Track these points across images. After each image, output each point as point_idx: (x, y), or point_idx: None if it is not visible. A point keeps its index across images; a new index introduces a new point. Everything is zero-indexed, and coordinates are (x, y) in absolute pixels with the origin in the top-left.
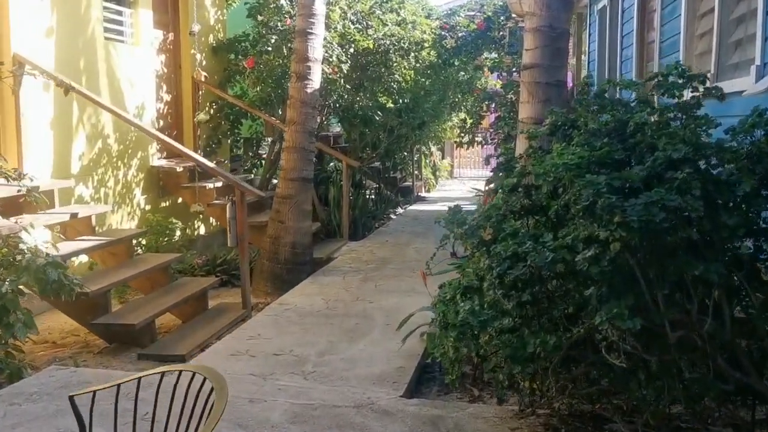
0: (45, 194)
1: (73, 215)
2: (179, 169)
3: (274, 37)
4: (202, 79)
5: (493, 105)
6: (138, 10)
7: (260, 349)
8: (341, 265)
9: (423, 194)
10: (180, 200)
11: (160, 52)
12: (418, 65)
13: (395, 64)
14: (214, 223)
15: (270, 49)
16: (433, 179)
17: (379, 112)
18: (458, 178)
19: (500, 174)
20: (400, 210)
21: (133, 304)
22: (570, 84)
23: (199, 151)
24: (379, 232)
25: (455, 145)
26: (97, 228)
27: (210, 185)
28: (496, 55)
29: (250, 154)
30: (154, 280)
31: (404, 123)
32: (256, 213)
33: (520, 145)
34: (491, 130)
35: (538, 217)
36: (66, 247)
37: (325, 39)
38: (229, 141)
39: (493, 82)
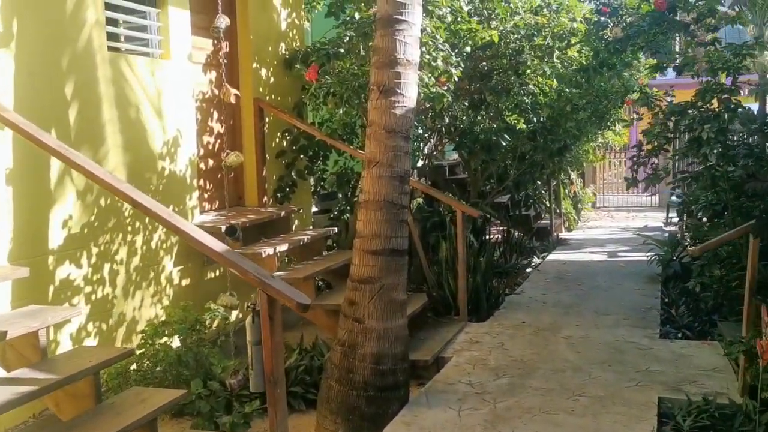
0: None
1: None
2: (224, 227)
3: (349, 33)
4: (269, 102)
5: (671, 122)
6: (167, 10)
7: None
8: (455, 380)
9: (563, 235)
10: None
11: (207, 68)
12: (562, 69)
13: (529, 70)
14: None
15: (342, 51)
16: (574, 214)
17: (506, 136)
18: (603, 208)
19: None
20: (535, 260)
21: None
22: None
23: (266, 198)
24: (511, 303)
25: (594, 166)
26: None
27: (269, 250)
28: (683, 48)
29: (348, 194)
30: None
31: (539, 148)
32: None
33: None
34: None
35: None
36: None
37: (423, 32)
38: (312, 180)
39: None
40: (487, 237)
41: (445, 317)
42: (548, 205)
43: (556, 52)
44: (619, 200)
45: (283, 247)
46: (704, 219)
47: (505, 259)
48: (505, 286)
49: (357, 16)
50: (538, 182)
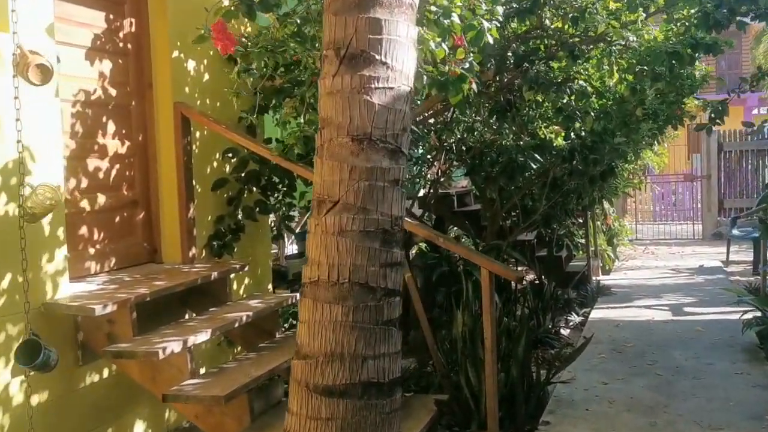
0: None
1: None
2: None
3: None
4: (199, 110)
5: None
6: None
7: None
8: None
9: (603, 280)
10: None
11: (97, 55)
12: (629, 59)
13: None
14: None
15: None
16: (610, 252)
17: (536, 155)
18: (638, 241)
19: None
20: (574, 318)
21: None
22: None
23: (194, 251)
24: (561, 402)
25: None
26: None
27: (174, 346)
28: None
29: None
30: None
31: (575, 171)
32: None
33: None
34: None
35: None
36: None
37: None
38: (274, 218)
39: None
40: (516, 294)
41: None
42: (587, 246)
43: (630, 27)
44: (654, 231)
45: (201, 337)
46: None
47: (537, 321)
48: (548, 369)
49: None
50: (570, 215)
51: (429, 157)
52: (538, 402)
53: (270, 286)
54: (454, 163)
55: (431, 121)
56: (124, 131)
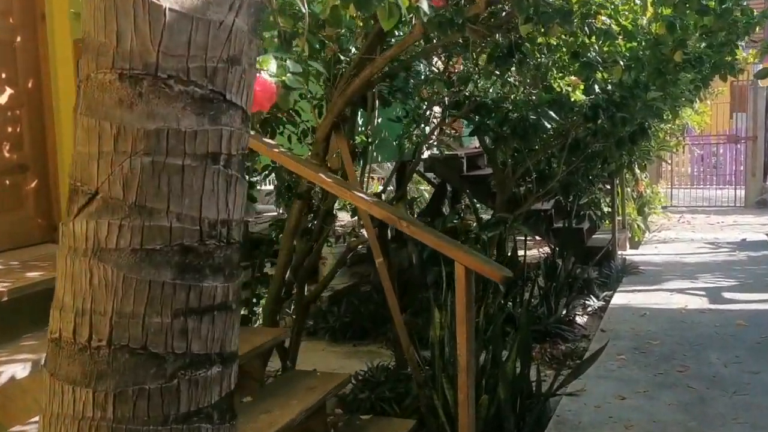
0: None
1: None
2: None
3: None
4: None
5: None
6: None
7: None
8: None
9: (630, 255)
10: None
11: None
12: None
13: None
14: None
15: None
16: (640, 222)
17: (551, 113)
18: (672, 208)
19: None
20: (593, 303)
21: None
22: None
23: None
24: (565, 426)
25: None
26: None
27: (14, 370)
28: None
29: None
30: None
31: (601, 132)
32: None
33: None
34: None
35: None
36: None
37: None
38: None
39: None
40: (524, 276)
41: None
42: (607, 214)
43: None
44: (691, 196)
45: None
46: None
47: (548, 308)
48: (556, 370)
49: None
50: (595, 182)
51: (426, 113)
52: (536, 422)
53: None
54: (453, 117)
55: (421, 69)
56: (5, 75)
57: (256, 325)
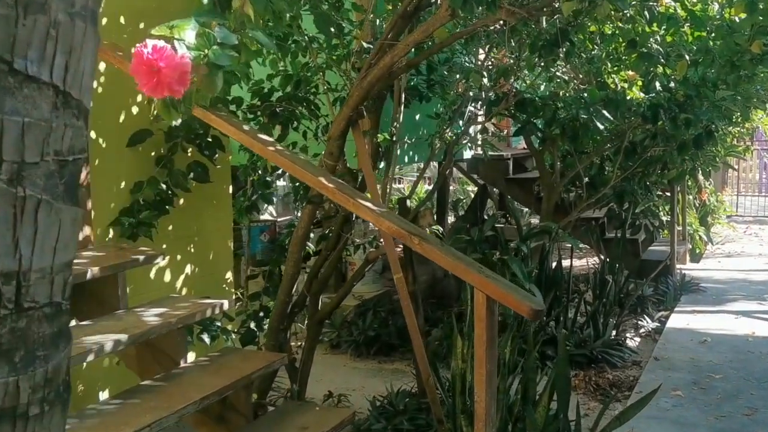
0: None
1: None
2: None
3: None
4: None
5: None
6: None
7: None
8: None
9: (689, 270)
10: None
11: None
12: None
13: None
14: None
15: None
16: (702, 233)
17: (605, 113)
18: (737, 217)
19: None
20: (647, 324)
21: None
22: None
23: (86, 230)
24: None
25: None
26: None
27: None
28: None
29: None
30: None
31: (661, 135)
32: None
33: None
34: None
35: None
36: None
37: None
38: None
39: None
40: (568, 291)
41: None
42: (666, 224)
43: None
44: (759, 205)
45: None
46: None
47: (595, 328)
48: (602, 401)
49: None
50: (653, 189)
51: (455, 108)
52: None
53: (230, 278)
54: (479, 118)
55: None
56: None
57: (247, 348)
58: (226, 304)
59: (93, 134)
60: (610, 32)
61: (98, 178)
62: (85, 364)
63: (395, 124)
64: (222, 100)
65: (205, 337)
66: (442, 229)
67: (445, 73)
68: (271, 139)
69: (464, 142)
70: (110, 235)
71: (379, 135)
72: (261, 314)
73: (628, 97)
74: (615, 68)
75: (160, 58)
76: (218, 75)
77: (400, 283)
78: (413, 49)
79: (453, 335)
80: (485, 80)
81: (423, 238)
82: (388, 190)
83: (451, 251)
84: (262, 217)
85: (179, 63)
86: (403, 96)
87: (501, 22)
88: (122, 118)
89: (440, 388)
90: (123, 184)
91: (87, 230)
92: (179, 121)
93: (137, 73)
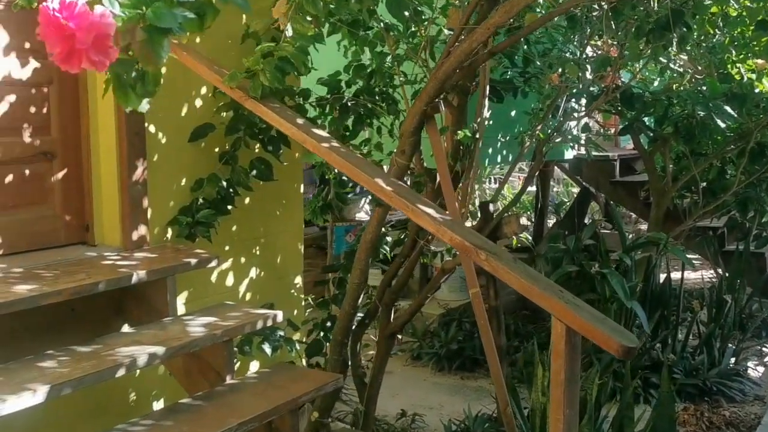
0: None
1: None
2: None
3: None
4: None
5: None
6: None
7: None
8: None
9: None
10: None
11: None
12: None
13: None
14: None
15: None
16: None
17: (728, 109)
18: None
19: None
20: None
21: None
22: None
23: (145, 231)
24: None
25: None
26: None
27: None
28: None
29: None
30: None
31: None
32: None
33: None
34: None
35: None
36: None
37: None
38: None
39: None
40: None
41: None
42: None
43: None
44: None
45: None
46: None
47: (709, 355)
48: None
49: None
50: None
51: (549, 103)
52: None
53: (299, 284)
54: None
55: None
56: (29, 45)
57: (300, 365)
58: (280, 315)
59: (152, 128)
60: (735, 13)
61: (156, 175)
62: (138, 371)
63: (478, 119)
64: (288, 91)
65: (267, 347)
66: (531, 237)
67: (540, 65)
68: (326, 135)
69: (558, 140)
70: (168, 235)
71: (459, 132)
72: (329, 324)
73: (756, 91)
74: (740, 56)
75: (70, 17)
76: (162, 42)
77: (476, 299)
78: (499, 35)
79: (534, 361)
80: (587, 73)
81: (491, 253)
82: (469, 192)
83: (526, 270)
84: (357, 216)
85: (94, 23)
86: (488, 88)
87: (602, 2)
88: (184, 110)
89: (521, 417)
90: (183, 181)
91: (143, 229)
92: (145, 107)
93: (46, 37)
